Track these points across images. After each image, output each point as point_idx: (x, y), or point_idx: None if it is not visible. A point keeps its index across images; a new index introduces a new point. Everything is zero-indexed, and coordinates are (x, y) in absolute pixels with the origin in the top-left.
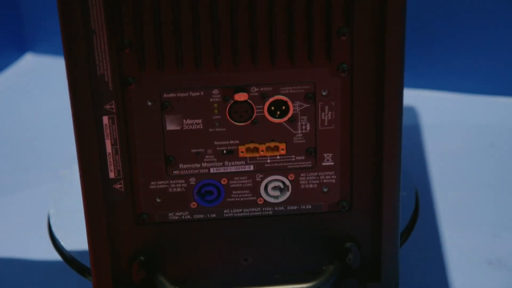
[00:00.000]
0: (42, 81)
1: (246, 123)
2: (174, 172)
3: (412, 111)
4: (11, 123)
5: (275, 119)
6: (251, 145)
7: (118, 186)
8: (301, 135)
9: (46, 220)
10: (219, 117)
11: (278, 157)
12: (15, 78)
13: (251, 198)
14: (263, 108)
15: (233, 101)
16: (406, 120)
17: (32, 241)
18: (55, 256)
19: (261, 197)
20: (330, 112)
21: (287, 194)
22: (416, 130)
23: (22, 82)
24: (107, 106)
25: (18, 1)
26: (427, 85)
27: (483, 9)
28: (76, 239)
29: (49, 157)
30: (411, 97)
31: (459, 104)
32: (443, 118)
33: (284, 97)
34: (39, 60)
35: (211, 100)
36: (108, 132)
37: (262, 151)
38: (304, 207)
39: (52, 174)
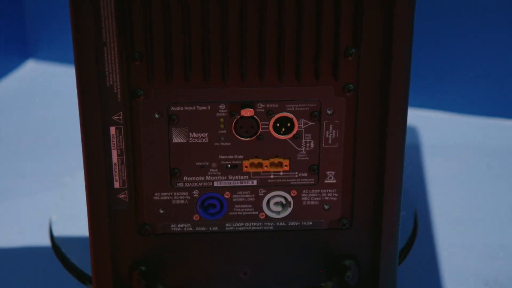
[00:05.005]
0: (43, 87)
1: (251, 138)
2: (178, 184)
3: (412, 130)
4: (13, 129)
5: (280, 136)
6: (255, 161)
7: (122, 196)
8: (304, 152)
9: (47, 227)
10: (224, 131)
11: (281, 173)
12: (17, 85)
13: (253, 212)
14: (268, 125)
15: (239, 116)
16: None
17: (33, 247)
18: (56, 263)
19: (263, 212)
20: (334, 131)
21: (289, 210)
22: (415, 149)
23: (24, 88)
24: (115, 117)
25: (21, 7)
26: (427, 105)
27: (484, 31)
28: (78, 246)
29: (51, 164)
30: (411, 116)
31: (457, 125)
32: (442, 138)
33: (289, 114)
34: (41, 67)
35: (217, 114)
36: (115, 142)
37: (266, 166)
38: (305, 223)
39: (54, 181)
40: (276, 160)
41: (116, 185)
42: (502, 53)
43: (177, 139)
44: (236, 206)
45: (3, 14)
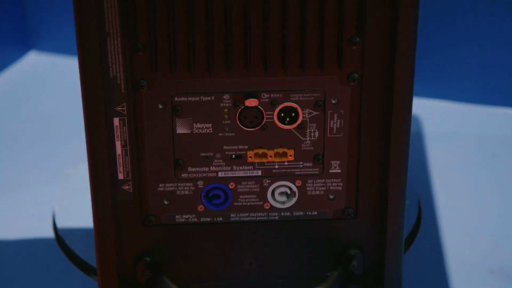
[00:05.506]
0: (45, 79)
1: (255, 128)
2: (182, 175)
3: (416, 119)
4: (15, 121)
5: (284, 126)
6: (260, 151)
7: (127, 187)
8: (309, 142)
9: (51, 219)
10: (229, 122)
11: (286, 163)
12: (19, 76)
13: (258, 203)
14: (272, 115)
15: (243, 106)
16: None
17: (37, 239)
18: (60, 255)
19: (268, 202)
20: (338, 120)
21: (294, 200)
22: (419, 138)
23: (26, 80)
24: (119, 108)
25: None
26: (431, 94)
27: (487, 20)
28: (81, 238)
29: (54, 156)
30: (415, 105)
31: (462, 114)
32: (445, 127)
33: (294, 104)
34: (43, 58)
35: (221, 105)
36: (119, 133)
37: (271, 156)
38: (310, 213)
39: (56, 173)
40: (280, 150)
41: (120, 176)
42: (507, 42)
43: (181, 129)
44: (241, 196)
45: (4, 5)
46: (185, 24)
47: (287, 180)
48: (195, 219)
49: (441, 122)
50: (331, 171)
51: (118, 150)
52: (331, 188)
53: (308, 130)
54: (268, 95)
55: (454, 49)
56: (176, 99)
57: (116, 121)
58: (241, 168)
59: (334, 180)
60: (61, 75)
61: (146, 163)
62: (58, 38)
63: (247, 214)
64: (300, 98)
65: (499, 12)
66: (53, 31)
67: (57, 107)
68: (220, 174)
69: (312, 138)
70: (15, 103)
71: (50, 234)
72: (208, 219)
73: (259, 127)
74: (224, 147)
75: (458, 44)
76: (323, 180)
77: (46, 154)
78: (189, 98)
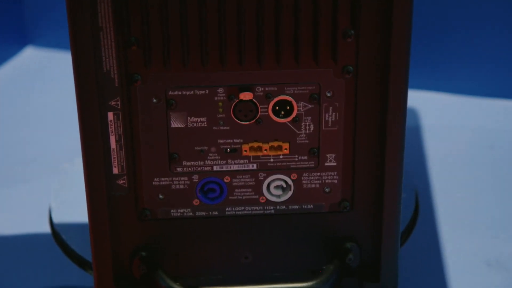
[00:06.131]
0: (42, 74)
1: (250, 122)
2: (177, 169)
3: (413, 112)
4: (11, 116)
5: (279, 119)
6: (255, 144)
7: (122, 181)
8: (304, 135)
9: (47, 214)
10: (223, 115)
11: (281, 157)
12: (16, 71)
13: (254, 196)
14: (267, 108)
15: (238, 100)
16: (406, 121)
17: (33, 234)
18: (56, 250)
19: (263, 195)
20: (334, 113)
21: (289, 193)
22: (416, 131)
23: (23, 75)
24: (113, 102)
25: None
26: (428, 87)
27: (485, 12)
28: (77, 232)
29: (50, 151)
30: (412, 98)
31: (459, 106)
32: (443, 120)
33: (288, 97)
34: (39, 53)
35: (216, 98)
36: (113, 128)
37: (266, 150)
38: (305, 206)
39: (53, 167)
40: (275, 144)
41: (115, 170)
42: (504, 33)
43: (175, 123)
44: (236, 190)
45: (1, 1)
46: (178, 18)
47: (282, 174)
48: (191, 213)
49: (438, 115)
50: (326, 164)
51: (113, 144)
52: (327, 181)
53: (303, 123)
54: (262, 89)
55: (451, 40)
56: (170, 93)
57: (110, 115)
58: (236, 161)
59: (330, 173)
60: (58, 70)
61: (140, 158)
62: (54, 34)
63: (242, 208)
64: (295, 91)
65: (496, 4)
66: (49, 26)
67: (54, 101)
68: (215, 168)
69: (307, 131)
70: (12, 98)
71: (47, 228)
72: (204, 213)
73: (254, 120)
74: (219, 140)
75: (455, 35)
76: (319, 173)
77: (43, 149)
78: (184, 92)
